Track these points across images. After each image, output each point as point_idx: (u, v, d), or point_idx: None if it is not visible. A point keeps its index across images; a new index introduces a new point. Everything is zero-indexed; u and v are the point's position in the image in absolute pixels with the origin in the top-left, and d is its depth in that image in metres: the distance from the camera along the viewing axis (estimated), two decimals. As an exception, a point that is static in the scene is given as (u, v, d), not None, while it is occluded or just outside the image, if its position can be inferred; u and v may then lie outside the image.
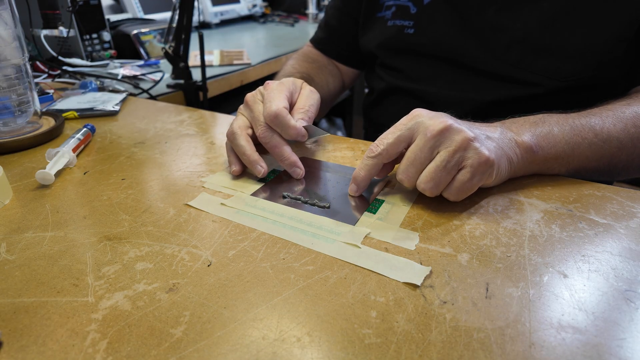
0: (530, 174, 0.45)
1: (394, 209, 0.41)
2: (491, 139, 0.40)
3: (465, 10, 0.59)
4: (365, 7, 0.71)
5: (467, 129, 0.37)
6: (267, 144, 0.46)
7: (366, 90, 0.82)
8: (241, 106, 0.51)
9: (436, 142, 0.37)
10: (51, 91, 0.80)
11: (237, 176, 0.47)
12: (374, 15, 0.70)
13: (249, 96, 0.50)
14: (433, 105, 0.64)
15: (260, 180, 0.47)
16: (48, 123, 0.61)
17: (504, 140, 0.41)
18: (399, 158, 0.41)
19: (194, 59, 1.15)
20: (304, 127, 0.46)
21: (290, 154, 0.46)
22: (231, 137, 0.47)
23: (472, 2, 0.58)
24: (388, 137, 0.39)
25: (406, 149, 0.39)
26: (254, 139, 0.47)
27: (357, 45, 0.76)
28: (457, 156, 0.36)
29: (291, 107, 0.49)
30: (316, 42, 0.81)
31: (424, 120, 0.38)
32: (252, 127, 0.48)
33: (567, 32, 0.53)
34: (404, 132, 0.39)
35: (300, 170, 0.46)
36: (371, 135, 0.80)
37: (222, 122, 0.65)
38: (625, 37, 0.51)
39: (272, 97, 0.46)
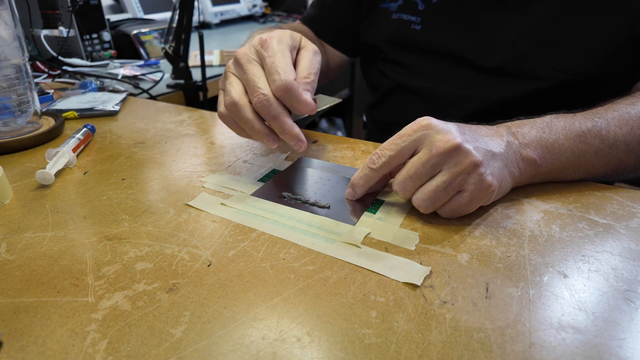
0: (535, 183, 0.44)
1: (394, 209, 0.41)
2: (496, 158, 0.38)
3: (474, 9, 0.59)
4: None
5: (474, 149, 0.35)
6: (267, 114, 0.40)
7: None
8: (230, 63, 0.44)
9: (440, 160, 0.35)
10: (51, 91, 0.80)
11: (237, 176, 0.47)
12: (377, 5, 0.68)
13: (242, 54, 0.43)
14: (439, 103, 0.63)
15: (260, 180, 0.47)
16: (48, 123, 0.61)
17: (509, 154, 0.40)
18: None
19: (194, 59, 1.15)
20: (313, 97, 0.41)
21: (292, 125, 0.40)
22: (233, 109, 0.41)
23: (481, 3, 0.58)
24: (391, 148, 0.37)
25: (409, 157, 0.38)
26: None
27: (350, 30, 0.73)
28: (459, 179, 0.35)
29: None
30: (306, 19, 0.76)
31: (431, 134, 0.36)
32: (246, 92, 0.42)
33: (575, 26, 0.53)
34: (409, 143, 0.37)
35: (303, 143, 0.41)
36: (373, 134, 0.79)
37: (222, 122, 0.64)
38: (633, 31, 0.51)
39: (278, 64, 0.40)
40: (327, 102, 0.44)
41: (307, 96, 0.40)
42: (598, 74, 0.53)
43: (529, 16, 0.55)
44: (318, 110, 0.43)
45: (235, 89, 0.42)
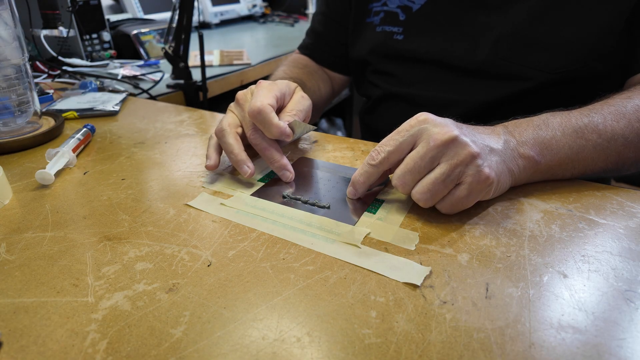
0: (535, 181, 0.44)
1: (394, 209, 0.41)
2: (494, 152, 0.39)
3: (455, 16, 0.60)
4: (355, 13, 0.71)
5: (471, 142, 0.36)
6: (257, 145, 0.45)
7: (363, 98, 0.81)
8: (232, 104, 0.50)
9: (438, 152, 0.36)
10: (51, 91, 0.80)
11: (237, 176, 0.47)
12: (363, 21, 0.70)
13: (240, 94, 0.49)
14: (428, 108, 0.64)
15: (260, 180, 0.47)
16: (48, 123, 0.61)
17: (507, 151, 0.40)
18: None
19: (194, 59, 1.15)
20: (289, 123, 0.45)
21: (279, 157, 0.45)
22: (220, 134, 0.46)
23: (461, 7, 0.59)
24: (390, 144, 0.38)
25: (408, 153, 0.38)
26: (244, 139, 0.47)
27: (344, 51, 0.76)
28: (457, 170, 0.35)
29: (282, 109, 0.48)
30: (303, 48, 0.80)
31: (428, 127, 0.36)
32: (242, 126, 0.47)
33: (557, 25, 0.53)
34: (407, 138, 0.37)
35: (289, 174, 0.46)
36: (367, 139, 0.80)
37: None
38: (615, 28, 0.51)
39: (259, 94, 0.45)
40: (303, 128, 0.48)
41: (280, 122, 0.44)
42: (582, 72, 0.54)
43: (509, 17, 0.55)
44: (295, 136, 0.47)
45: (227, 120, 0.47)
